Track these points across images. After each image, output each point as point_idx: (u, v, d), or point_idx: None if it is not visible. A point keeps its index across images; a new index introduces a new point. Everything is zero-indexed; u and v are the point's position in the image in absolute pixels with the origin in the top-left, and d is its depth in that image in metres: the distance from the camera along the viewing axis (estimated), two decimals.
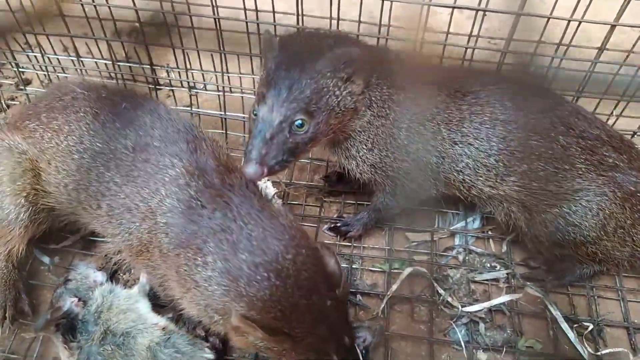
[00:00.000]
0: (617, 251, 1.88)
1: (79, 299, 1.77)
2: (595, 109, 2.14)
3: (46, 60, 2.51)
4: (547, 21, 1.85)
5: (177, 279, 1.54)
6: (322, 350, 1.44)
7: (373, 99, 1.79)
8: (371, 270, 2.07)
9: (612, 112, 2.19)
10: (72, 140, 1.74)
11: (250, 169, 1.57)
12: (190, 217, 1.51)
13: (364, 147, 1.86)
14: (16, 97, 2.68)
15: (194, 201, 1.53)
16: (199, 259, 1.46)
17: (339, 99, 1.69)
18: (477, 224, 2.20)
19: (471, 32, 2.10)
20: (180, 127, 1.69)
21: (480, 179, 1.87)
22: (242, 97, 2.40)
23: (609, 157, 1.82)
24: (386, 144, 1.85)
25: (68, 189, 1.76)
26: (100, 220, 1.73)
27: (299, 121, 1.63)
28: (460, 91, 1.86)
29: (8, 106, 2.63)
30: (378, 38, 2.09)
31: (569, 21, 1.85)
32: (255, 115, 1.65)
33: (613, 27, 1.79)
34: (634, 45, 1.96)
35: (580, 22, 1.83)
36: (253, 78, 2.37)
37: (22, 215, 1.82)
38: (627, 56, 2.00)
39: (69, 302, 1.74)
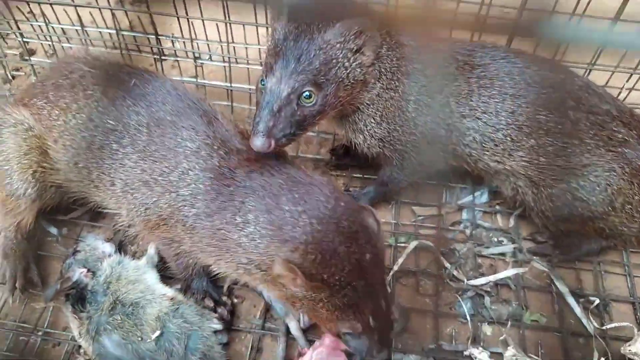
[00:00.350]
0: (624, 227, 1.87)
1: (88, 270, 1.79)
2: (607, 82, 2.10)
3: (50, 30, 2.47)
4: None
5: (212, 244, 1.57)
6: (358, 309, 1.44)
7: (382, 70, 1.76)
8: None
9: (623, 86, 2.16)
10: (81, 118, 1.73)
11: (258, 142, 1.55)
12: (222, 183, 1.54)
13: (372, 120, 1.84)
14: (21, 67, 2.66)
15: (222, 169, 1.56)
16: (239, 218, 1.50)
17: (348, 71, 1.66)
18: (484, 198, 2.19)
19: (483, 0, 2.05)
20: (190, 102, 1.70)
21: (487, 153, 1.86)
22: (248, 68, 2.37)
23: (619, 133, 1.79)
24: (394, 117, 1.82)
25: (79, 167, 1.76)
26: (114, 197, 1.74)
27: (307, 93, 1.60)
28: (469, 64, 1.82)
29: (13, 77, 2.61)
30: (387, 5, 2.04)
31: None
32: (263, 86, 1.63)
33: None
34: None
35: None
36: (259, 49, 2.33)
37: (29, 190, 1.83)
38: None
39: (78, 273, 1.77)
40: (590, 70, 2.08)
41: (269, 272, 1.46)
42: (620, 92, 2.16)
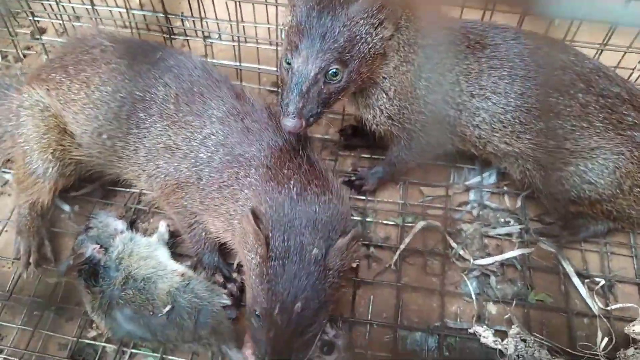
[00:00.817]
0: (632, 209, 1.87)
1: (100, 246, 1.82)
2: (619, 62, 2.08)
3: (61, 8, 2.49)
4: None
5: (215, 202, 1.65)
6: (273, 291, 1.40)
7: (401, 42, 1.75)
8: (384, 224, 2.09)
9: (635, 67, 2.14)
10: (105, 90, 1.78)
11: (289, 123, 1.57)
12: (241, 140, 1.63)
13: (385, 95, 1.83)
14: (32, 46, 2.67)
15: (245, 130, 1.64)
16: (242, 172, 1.59)
17: (370, 46, 1.65)
18: (492, 179, 2.20)
19: None
20: (217, 76, 1.79)
21: (496, 135, 1.85)
22: (257, 47, 2.37)
23: (629, 116, 1.79)
24: (407, 93, 1.82)
25: (102, 138, 1.81)
26: (136, 165, 1.81)
27: (334, 70, 1.61)
28: (480, 43, 1.81)
29: (24, 56, 2.63)
30: None
31: None
32: (288, 64, 1.62)
33: None
34: None
35: None
36: (268, 28, 2.33)
37: (50, 170, 1.89)
38: None
39: (91, 249, 1.80)
40: (602, 50, 2.06)
41: (241, 224, 1.52)
42: (632, 73, 2.14)
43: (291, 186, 1.47)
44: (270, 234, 1.41)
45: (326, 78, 1.61)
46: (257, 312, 1.44)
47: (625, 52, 2.08)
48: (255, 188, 1.53)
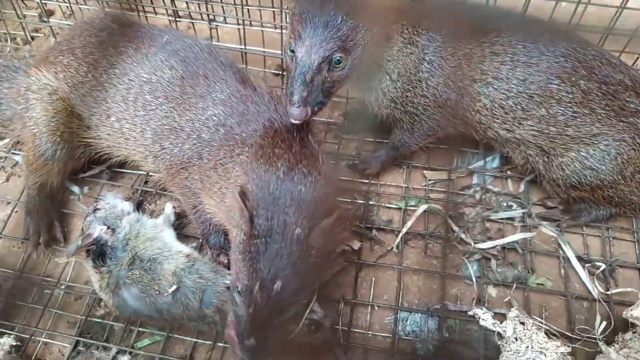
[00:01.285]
0: (634, 195, 1.88)
1: (108, 227, 1.85)
2: (625, 47, 2.06)
3: None
4: None
5: (213, 181, 1.67)
6: (254, 267, 1.39)
7: (405, 25, 1.75)
8: (387, 207, 2.11)
9: None
10: (113, 73, 1.81)
11: (295, 112, 1.57)
12: (240, 121, 1.65)
13: (388, 78, 1.84)
14: (40, 28, 2.69)
15: (245, 111, 1.66)
16: (237, 150, 1.61)
17: (373, 32, 1.64)
18: (496, 163, 2.20)
19: None
20: (224, 59, 1.81)
21: (497, 121, 1.86)
22: (262, 30, 2.37)
23: (631, 103, 1.78)
24: (410, 75, 1.83)
25: (110, 120, 1.84)
26: (143, 146, 1.83)
27: (337, 58, 1.60)
28: (483, 28, 1.80)
29: (32, 38, 2.65)
30: None
31: None
32: (292, 52, 1.62)
33: None
34: None
35: None
36: (273, 11, 2.33)
37: (59, 152, 1.93)
38: None
39: (99, 230, 1.83)
40: (607, 35, 2.04)
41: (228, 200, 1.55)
42: (637, 58, 2.11)
43: (279, 165, 1.47)
44: (255, 212, 1.42)
45: (330, 66, 1.61)
46: (239, 289, 1.44)
47: (631, 37, 2.05)
48: (245, 166, 1.54)
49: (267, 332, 1.43)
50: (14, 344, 1.73)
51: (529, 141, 1.88)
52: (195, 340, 1.80)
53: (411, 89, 1.85)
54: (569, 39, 1.81)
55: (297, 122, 1.57)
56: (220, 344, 1.78)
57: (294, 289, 1.41)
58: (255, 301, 1.39)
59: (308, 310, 1.64)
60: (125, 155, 1.96)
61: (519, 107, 1.81)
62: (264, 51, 2.38)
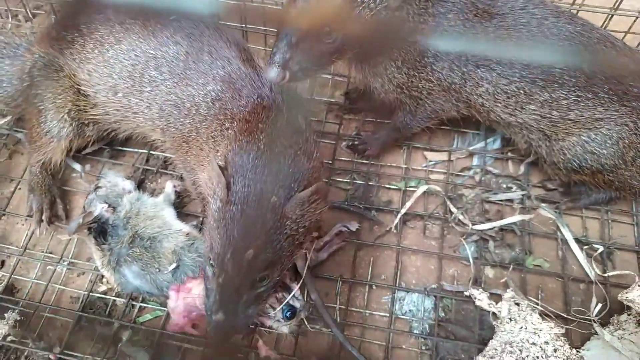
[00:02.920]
0: (634, 180, 1.87)
1: (109, 205, 1.88)
2: (630, 28, 2.03)
3: None
4: None
5: (206, 148, 1.68)
6: (225, 234, 1.39)
7: (410, 12, 1.72)
8: (387, 188, 2.11)
9: None
10: (120, 49, 1.81)
11: (272, 72, 1.53)
12: (234, 96, 1.65)
13: (393, 64, 1.82)
14: (41, 5, 2.68)
15: (241, 88, 1.66)
16: (227, 124, 1.62)
17: (372, 12, 1.61)
18: (497, 144, 2.20)
19: None
20: (229, 37, 1.79)
21: (499, 105, 1.85)
22: (263, 7, 2.35)
23: (635, 87, 1.76)
24: (415, 61, 1.81)
25: (118, 96, 1.85)
26: (151, 120, 1.84)
27: (327, 29, 1.56)
28: (488, 12, 1.78)
29: (34, 15, 2.64)
30: None
31: None
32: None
33: None
34: None
35: None
36: None
37: (65, 130, 1.94)
38: None
39: (100, 208, 1.86)
40: (612, 15, 2.01)
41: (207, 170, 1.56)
42: None
43: (261, 137, 1.47)
44: (232, 179, 1.41)
45: (319, 36, 1.56)
46: (211, 261, 1.43)
47: (637, 17, 2.02)
48: (231, 138, 1.55)
49: (236, 307, 1.41)
50: (19, 318, 1.77)
51: (531, 125, 1.87)
52: None
53: (416, 73, 1.84)
54: (573, 23, 1.78)
55: (273, 81, 1.54)
56: None
57: (266, 260, 1.40)
58: (225, 270, 1.37)
59: (291, 296, 1.65)
60: (133, 128, 1.95)
61: (522, 91, 1.80)
62: (264, 29, 2.36)
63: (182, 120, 1.75)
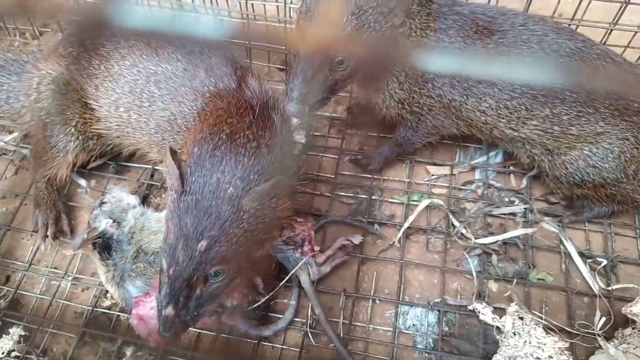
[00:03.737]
0: (636, 193, 1.88)
1: (114, 220, 1.89)
2: (630, 42, 2.05)
3: None
4: None
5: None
6: (180, 223, 1.36)
7: (413, 27, 1.74)
8: (390, 202, 2.12)
9: None
10: (124, 64, 1.84)
11: (293, 109, 1.59)
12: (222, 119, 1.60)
13: (395, 80, 1.85)
14: (48, 24, 2.72)
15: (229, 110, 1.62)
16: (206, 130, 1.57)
17: (379, 34, 1.64)
18: (499, 158, 2.21)
19: None
20: (227, 55, 1.80)
21: (502, 121, 1.86)
22: (266, 25, 2.38)
23: (635, 102, 1.77)
24: (417, 77, 1.83)
25: (119, 111, 1.87)
26: (147, 136, 1.86)
27: (340, 58, 1.61)
28: (488, 29, 1.80)
29: (41, 33, 2.69)
30: None
31: None
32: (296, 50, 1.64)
33: None
34: None
35: None
36: (277, 5, 2.34)
37: (71, 144, 1.97)
38: None
39: (105, 223, 1.87)
40: (612, 30, 2.03)
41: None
42: None
43: (225, 129, 1.46)
44: (189, 170, 1.39)
45: (332, 65, 1.62)
46: (165, 254, 1.40)
47: (637, 32, 2.04)
48: (197, 131, 1.54)
49: (187, 302, 1.38)
50: (23, 333, 1.78)
51: (533, 140, 1.89)
52: (198, 330, 1.83)
53: (418, 89, 1.86)
54: (574, 39, 1.80)
55: (295, 118, 1.58)
56: (223, 335, 1.81)
57: (220, 253, 1.36)
58: (177, 262, 1.34)
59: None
60: (134, 144, 1.98)
61: (523, 107, 1.82)
62: (268, 46, 2.39)
63: (174, 137, 1.76)
